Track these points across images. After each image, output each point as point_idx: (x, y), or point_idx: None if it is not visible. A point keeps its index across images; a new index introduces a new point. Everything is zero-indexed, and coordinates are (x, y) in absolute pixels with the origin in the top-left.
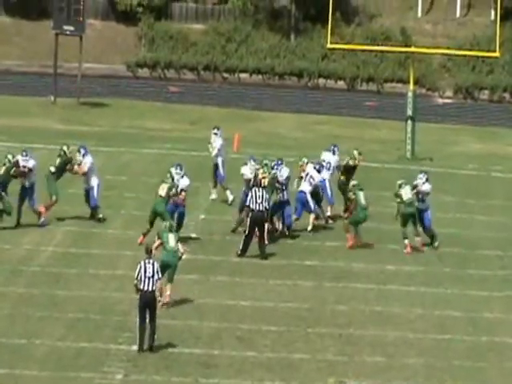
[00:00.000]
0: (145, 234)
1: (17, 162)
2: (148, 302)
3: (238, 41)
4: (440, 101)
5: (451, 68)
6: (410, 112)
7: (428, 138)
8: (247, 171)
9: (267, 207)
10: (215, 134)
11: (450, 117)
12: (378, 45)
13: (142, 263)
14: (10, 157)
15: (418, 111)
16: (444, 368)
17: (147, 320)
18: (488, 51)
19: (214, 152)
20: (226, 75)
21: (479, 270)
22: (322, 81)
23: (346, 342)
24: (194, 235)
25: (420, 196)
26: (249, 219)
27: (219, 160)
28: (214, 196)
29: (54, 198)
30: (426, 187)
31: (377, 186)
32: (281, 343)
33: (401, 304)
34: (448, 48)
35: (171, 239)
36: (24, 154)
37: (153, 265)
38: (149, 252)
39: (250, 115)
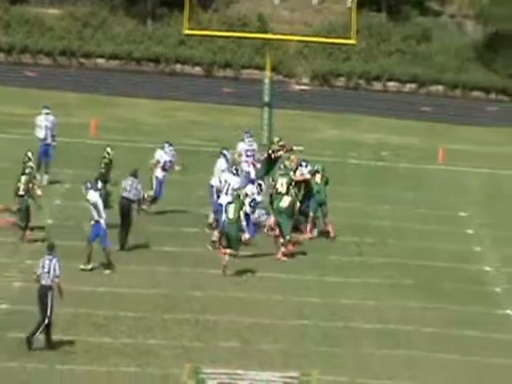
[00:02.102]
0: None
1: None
2: (41, 296)
3: (95, 26)
4: (296, 87)
5: (308, 55)
6: (266, 98)
7: (285, 125)
8: (305, 171)
9: (139, 198)
10: (47, 113)
11: (306, 103)
12: (235, 31)
13: (42, 259)
14: (108, 149)
15: (274, 98)
16: (300, 353)
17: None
18: (344, 38)
19: (49, 132)
20: (82, 60)
21: (337, 257)
22: (179, 67)
23: (203, 328)
24: (50, 221)
25: None
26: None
27: (53, 141)
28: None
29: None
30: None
31: None
32: (137, 329)
33: (260, 290)
34: (305, 35)
35: (231, 209)
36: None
37: (50, 261)
38: (50, 248)
39: (106, 101)
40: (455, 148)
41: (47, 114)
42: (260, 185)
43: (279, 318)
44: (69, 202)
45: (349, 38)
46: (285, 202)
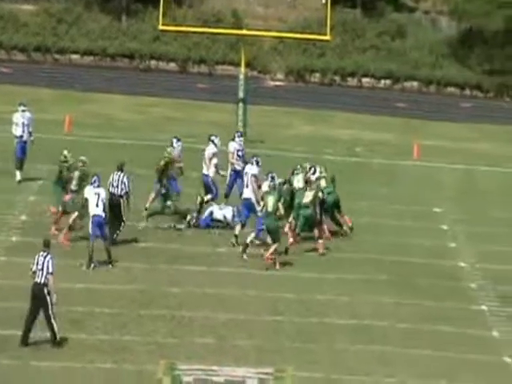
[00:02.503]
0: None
1: None
2: (35, 294)
3: (69, 22)
4: (271, 83)
5: (282, 51)
6: (241, 94)
7: (260, 121)
8: (313, 178)
9: (127, 191)
10: (23, 110)
11: (281, 99)
12: (210, 27)
13: (37, 256)
14: (169, 150)
15: (249, 94)
16: (275, 349)
17: (38, 314)
18: (319, 34)
19: (26, 129)
20: (57, 56)
21: (313, 252)
22: (153, 62)
23: (178, 324)
24: (24, 217)
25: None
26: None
27: (31, 137)
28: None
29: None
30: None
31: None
32: (113, 325)
33: (234, 286)
34: (279, 31)
35: (270, 201)
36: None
37: (44, 258)
38: (46, 245)
39: (81, 97)
40: (430, 144)
41: (23, 111)
42: (273, 178)
43: (254, 314)
44: (42, 198)
45: (323, 34)
46: (307, 197)
